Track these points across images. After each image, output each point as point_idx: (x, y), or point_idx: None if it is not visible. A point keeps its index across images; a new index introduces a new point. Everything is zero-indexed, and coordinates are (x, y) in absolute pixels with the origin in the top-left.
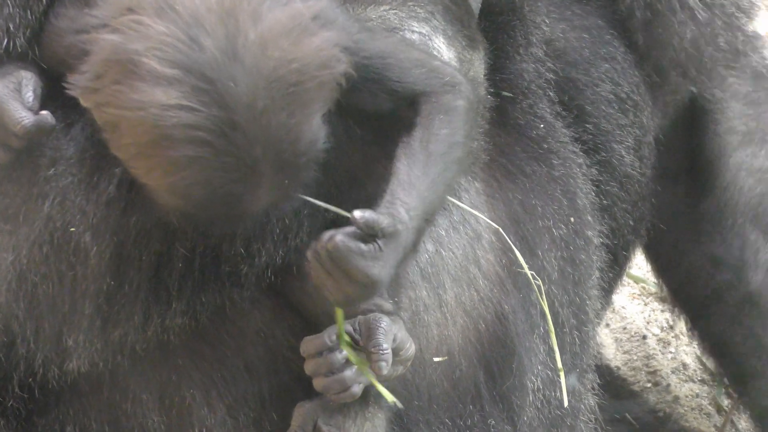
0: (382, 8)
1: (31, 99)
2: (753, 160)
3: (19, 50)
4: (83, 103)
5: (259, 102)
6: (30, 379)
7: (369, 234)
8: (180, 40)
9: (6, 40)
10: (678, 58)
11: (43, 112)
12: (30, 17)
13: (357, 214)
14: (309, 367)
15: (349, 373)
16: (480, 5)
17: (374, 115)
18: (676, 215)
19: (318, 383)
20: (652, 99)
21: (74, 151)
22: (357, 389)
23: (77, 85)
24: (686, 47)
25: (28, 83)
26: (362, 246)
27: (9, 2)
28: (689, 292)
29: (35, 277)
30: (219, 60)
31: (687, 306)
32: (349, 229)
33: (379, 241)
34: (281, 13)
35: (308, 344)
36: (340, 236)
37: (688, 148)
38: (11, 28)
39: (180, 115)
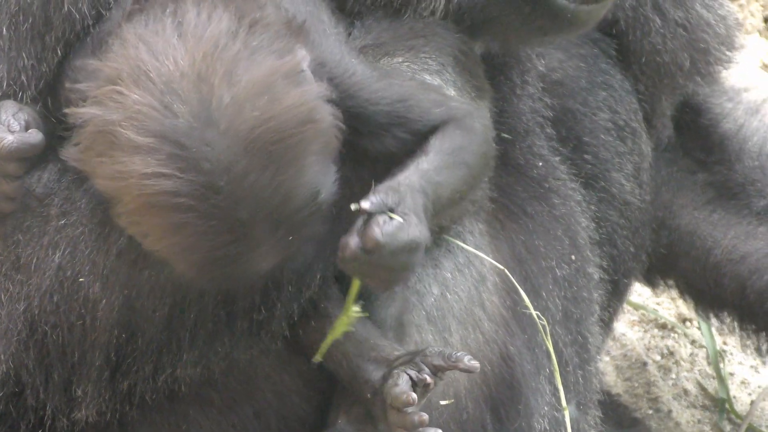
0: (395, 60)
1: (13, 123)
2: (765, 119)
3: (29, 101)
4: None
5: (239, 163)
6: (39, 430)
7: (384, 212)
8: (154, 108)
9: (20, 92)
10: (718, 63)
11: (31, 130)
12: (44, 68)
13: (364, 204)
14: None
15: None
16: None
17: (392, 159)
18: (703, 211)
19: None
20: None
21: (86, 202)
22: None
23: (71, 157)
24: (719, 55)
25: (8, 110)
26: (390, 226)
27: (23, 54)
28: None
29: (46, 327)
30: (193, 125)
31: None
32: (365, 222)
33: (397, 212)
34: (256, 73)
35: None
36: (375, 230)
37: (696, 145)
38: (24, 80)
39: (160, 182)
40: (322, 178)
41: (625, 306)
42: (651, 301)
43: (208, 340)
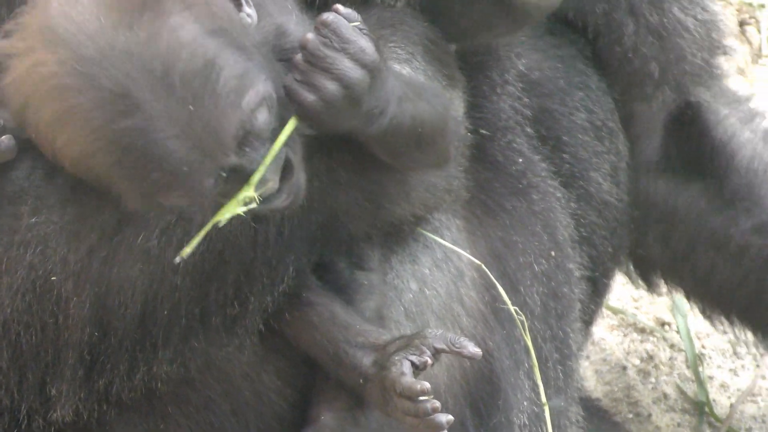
0: None
1: None
2: (758, 129)
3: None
4: None
5: (105, 28)
6: (15, 431)
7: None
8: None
9: None
10: (693, 72)
11: (3, 137)
12: None
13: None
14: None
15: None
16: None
17: (359, 157)
18: (700, 216)
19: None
20: (657, 116)
21: (57, 199)
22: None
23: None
24: (699, 62)
25: None
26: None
27: None
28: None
29: (18, 327)
30: (63, 7)
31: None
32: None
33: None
34: None
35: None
36: (332, 15)
37: (689, 151)
38: None
39: (39, 70)
40: (220, 49)
41: (604, 310)
42: (630, 305)
43: (183, 337)
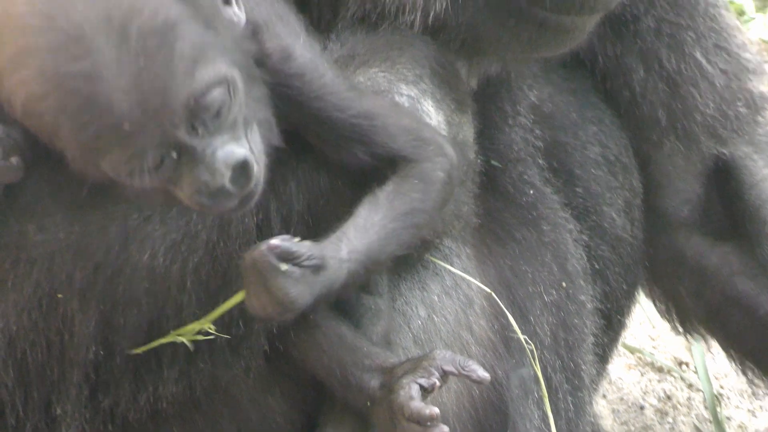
0: (371, 70)
1: None
2: None
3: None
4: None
5: None
6: None
7: (288, 259)
8: None
9: None
10: (705, 123)
11: (12, 158)
12: None
13: (273, 242)
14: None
15: None
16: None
17: (357, 170)
18: (731, 276)
19: None
20: (685, 168)
21: (63, 216)
22: None
23: None
24: (711, 113)
25: None
26: (284, 265)
27: None
28: None
29: (24, 345)
30: None
31: None
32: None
33: (304, 267)
34: None
35: None
36: (265, 248)
37: (727, 208)
38: None
39: (7, 10)
40: (185, 16)
41: (622, 349)
42: (647, 344)
43: (188, 357)
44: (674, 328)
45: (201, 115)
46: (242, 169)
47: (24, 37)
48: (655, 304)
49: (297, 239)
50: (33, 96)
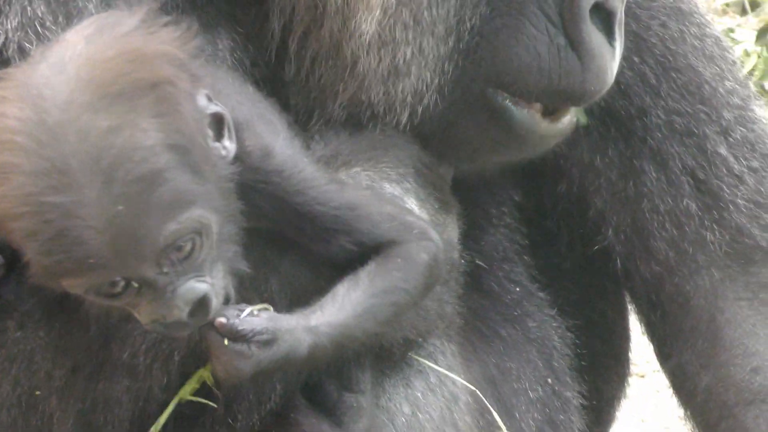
0: (354, 169)
1: None
2: None
3: None
4: None
5: (74, 102)
6: None
7: (234, 337)
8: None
9: None
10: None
11: None
12: None
13: (220, 320)
14: None
15: None
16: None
17: (342, 264)
18: None
19: None
20: None
21: (42, 313)
22: None
23: None
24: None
25: None
26: (231, 344)
27: None
28: None
29: None
30: (47, 74)
31: None
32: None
33: (251, 342)
34: (108, 36)
35: None
36: (215, 323)
37: None
38: None
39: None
40: (173, 164)
41: None
42: None
43: None
44: None
45: (171, 257)
46: (201, 304)
47: (10, 152)
48: None
49: (255, 308)
50: (8, 213)
